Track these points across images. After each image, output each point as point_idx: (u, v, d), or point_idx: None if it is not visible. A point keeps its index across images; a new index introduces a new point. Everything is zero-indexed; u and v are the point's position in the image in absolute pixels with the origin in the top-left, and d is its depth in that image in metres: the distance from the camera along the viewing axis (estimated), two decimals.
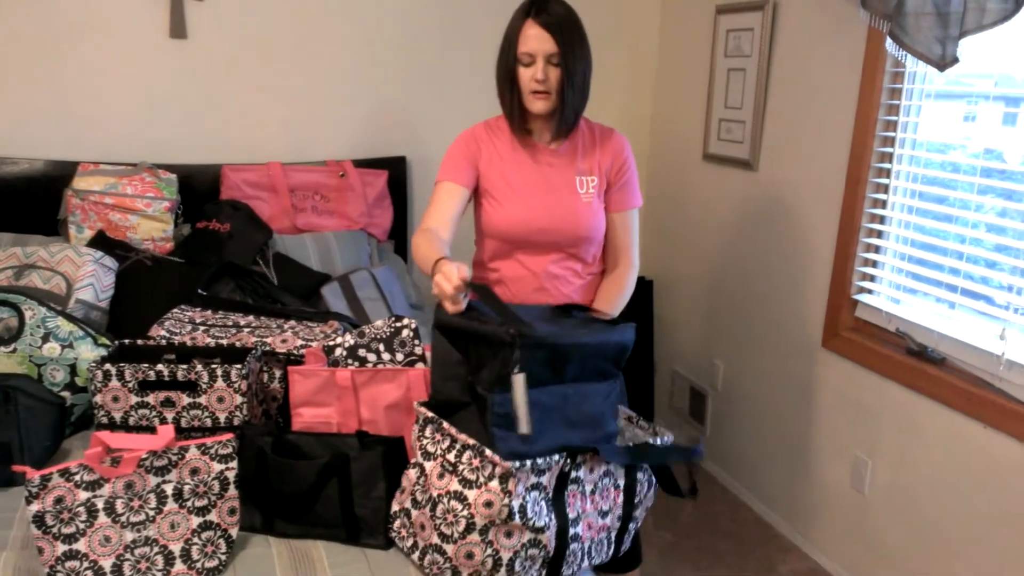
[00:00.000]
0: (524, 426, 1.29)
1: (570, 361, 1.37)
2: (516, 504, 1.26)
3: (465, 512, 1.27)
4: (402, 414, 1.61)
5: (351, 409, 1.62)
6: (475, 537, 1.27)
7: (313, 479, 1.44)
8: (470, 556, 1.28)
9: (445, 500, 1.29)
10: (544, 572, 1.35)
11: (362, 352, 1.66)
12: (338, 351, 1.66)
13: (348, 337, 1.67)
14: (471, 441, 1.30)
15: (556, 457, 1.32)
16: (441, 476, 1.31)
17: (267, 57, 2.98)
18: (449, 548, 1.30)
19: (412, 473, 1.39)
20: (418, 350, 1.66)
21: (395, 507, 1.42)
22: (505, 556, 1.28)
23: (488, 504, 1.26)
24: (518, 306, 1.49)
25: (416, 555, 1.37)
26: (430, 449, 1.35)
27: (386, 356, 1.65)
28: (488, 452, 1.27)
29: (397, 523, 1.40)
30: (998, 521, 2.09)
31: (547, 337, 1.34)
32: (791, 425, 2.86)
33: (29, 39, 2.72)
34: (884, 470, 2.45)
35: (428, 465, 1.33)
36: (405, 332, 1.66)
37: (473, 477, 1.28)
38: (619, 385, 1.49)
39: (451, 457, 1.32)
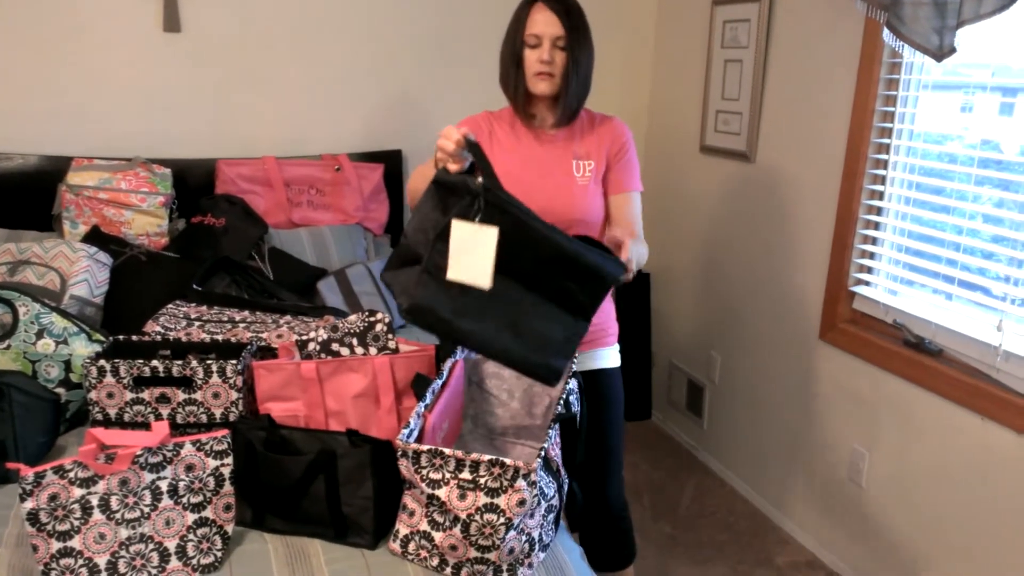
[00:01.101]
0: (464, 274, 1.34)
1: (538, 256, 1.37)
2: (540, 488, 1.32)
3: (502, 519, 1.30)
4: (370, 403, 1.61)
5: (317, 401, 1.61)
6: (512, 533, 1.31)
7: (300, 474, 1.43)
8: (511, 551, 1.33)
9: (478, 517, 1.30)
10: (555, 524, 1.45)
11: (335, 347, 1.64)
12: (311, 346, 1.65)
13: (321, 332, 1.66)
14: (484, 457, 1.30)
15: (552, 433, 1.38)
16: (463, 496, 1.31)
17: (261, 51, 2.97)
18: (491, 555, 1.32)
19: (420, 496, 1.37)
20: (392, 344, 1.65)
21: (404, 529, 1.39)
22: (535, 534, 1.36)
23: (521, 503, 1.29)
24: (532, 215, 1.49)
25: (449, 570, 1.36)
26: (435, 476, 1.33)
27: (359, 351, 1.64)
28: (508, 460, 1.28)
29: (412, 545, 1.38)
30: (996, 513, 2.09)
31: (515, 206, 1.34)
32: (789, 418, 2.86)
33: (22, 34, 2.70)
34: (882, 462, 2.45)
35: (441, 492, 1.32)
36: (379, 326, 1.65)
37: (497, 485, 1.30)
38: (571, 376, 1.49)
39: (466, 475, 1.31)
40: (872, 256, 2.51)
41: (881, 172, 2.44)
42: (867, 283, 2.53)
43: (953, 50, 2.01)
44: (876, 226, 2.49)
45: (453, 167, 1.45)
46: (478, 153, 1.42)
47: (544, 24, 1.84)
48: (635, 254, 1.64)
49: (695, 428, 3.45)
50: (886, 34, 2.16)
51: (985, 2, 1.91)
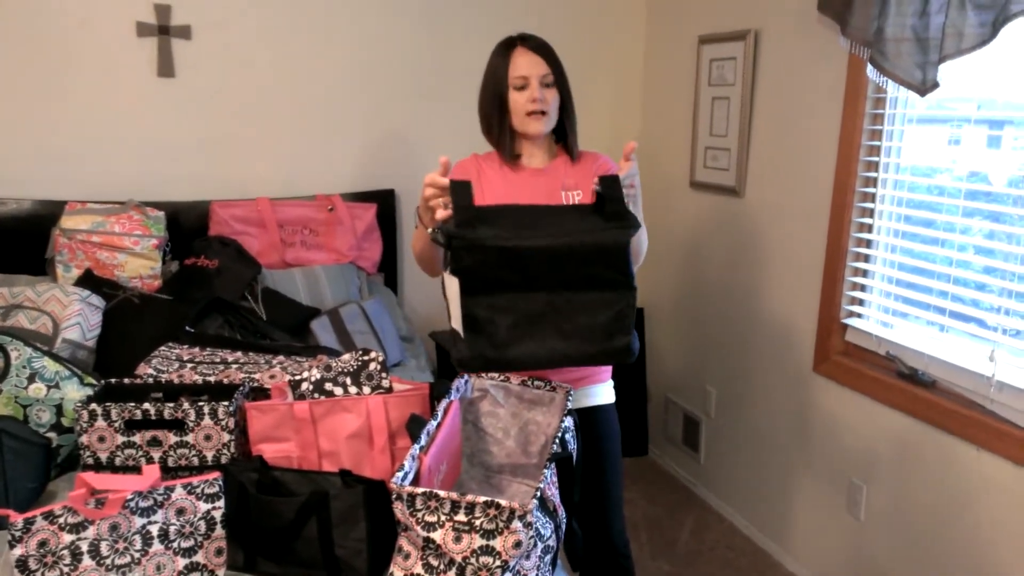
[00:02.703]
0: (452, 321, 1.42)
1: (538, 266, 1.39)
2: (536, 529, 1.30)
3: (498, 562, 1.27)
4: (364, 443, 1.60)
5: (311, 442, 1.60)
6: (508, 575, 1.28)
7: (292, 516, 1.41)
8: None
9: (473, 560, 1.27)
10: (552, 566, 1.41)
11: (328, 386, 1.64)
12: (304, 385, 1.64)
13: (315, 371, 1.65)
14: (480, 499, 1.28)
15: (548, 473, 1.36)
16: (458, 539, 1.29)
17: (254, 94, 3.00)
18: None
19: (415, 539, 1.35)
20: (385, 383, 1.64)
21: (398, 572, 1.37)
22: (531, 575, 1.33)
23: (517, 544, 1.27)
24: (522, 207, 1.52)
25: None
26: (430, 519, 1.31)
27: (353, 390, 1.63)
28: (504, 501, 1.27)
29: None
30: (995, 544, 2.07)
31: (484, 240, 1.37)
32: (785, 451, 2.85)
33: (17, 79, 2.73)
34: (879, 495, 2.43)
35: (437, 534, 1.30)
36: (372, 365, 1.64)
37: (493, 526, 1.28)
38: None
39: (461, 517, 1.29)
40: (864, 288, 2.52)
41: (869, 205, 2.46)
42: (859, 315, 2.53)
43: (936, 85, 2.03)
44: (866, 258, 2.50)
45: (443, 214, 1.48)
46: (453, 192, 1.46)
47: (528, 66, 1.88)
48: (635, 171, 1.61)
49: (692, 463, 3.43)
50: (870, 70, 2.20)
51: (966, 38, 1.95)
